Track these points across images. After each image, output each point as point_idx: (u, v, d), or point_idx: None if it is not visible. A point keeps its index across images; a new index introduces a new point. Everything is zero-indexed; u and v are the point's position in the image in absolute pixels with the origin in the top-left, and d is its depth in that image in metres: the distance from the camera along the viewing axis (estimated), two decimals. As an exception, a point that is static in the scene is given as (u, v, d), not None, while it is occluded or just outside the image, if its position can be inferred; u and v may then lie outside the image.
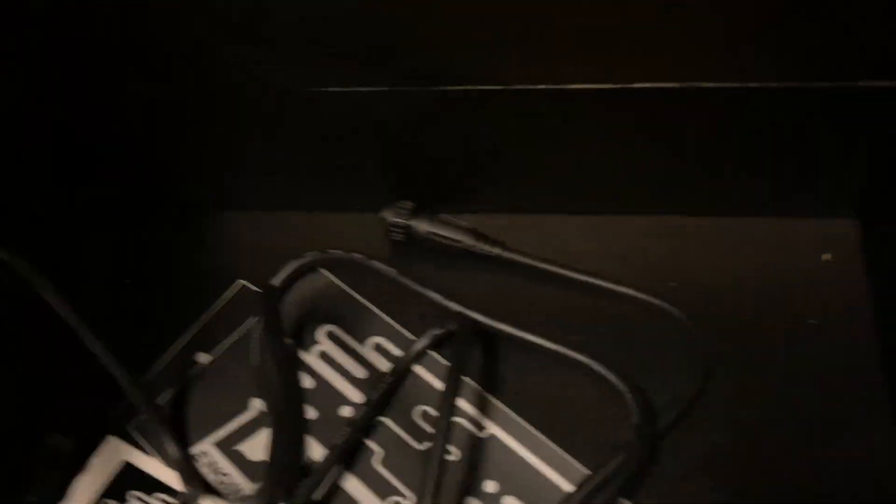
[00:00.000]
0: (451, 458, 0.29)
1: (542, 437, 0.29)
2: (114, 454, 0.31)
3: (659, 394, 0.29)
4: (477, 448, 0.29)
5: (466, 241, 0.33)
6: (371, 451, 0.30)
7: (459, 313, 0.31)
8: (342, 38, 0.27)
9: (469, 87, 0.28)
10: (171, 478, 0.30)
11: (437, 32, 0.27)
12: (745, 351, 0.30)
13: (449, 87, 0.28)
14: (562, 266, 0.32)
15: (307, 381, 0.32)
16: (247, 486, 0.30)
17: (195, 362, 0.33)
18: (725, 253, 0.33)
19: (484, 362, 0.31)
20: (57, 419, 0.32)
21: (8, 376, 0.31)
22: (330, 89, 0.30)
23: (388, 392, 0.30)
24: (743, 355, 0.30)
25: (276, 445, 0.29)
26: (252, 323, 0.33)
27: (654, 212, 0.33)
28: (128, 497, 0.30)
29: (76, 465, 0.30)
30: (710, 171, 0.32)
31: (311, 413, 0.31)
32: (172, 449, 0.30)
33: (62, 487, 0.30)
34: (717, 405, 0.29)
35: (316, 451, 0.30)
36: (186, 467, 0.30)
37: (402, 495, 0.29)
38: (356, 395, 0.31)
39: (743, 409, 0.29)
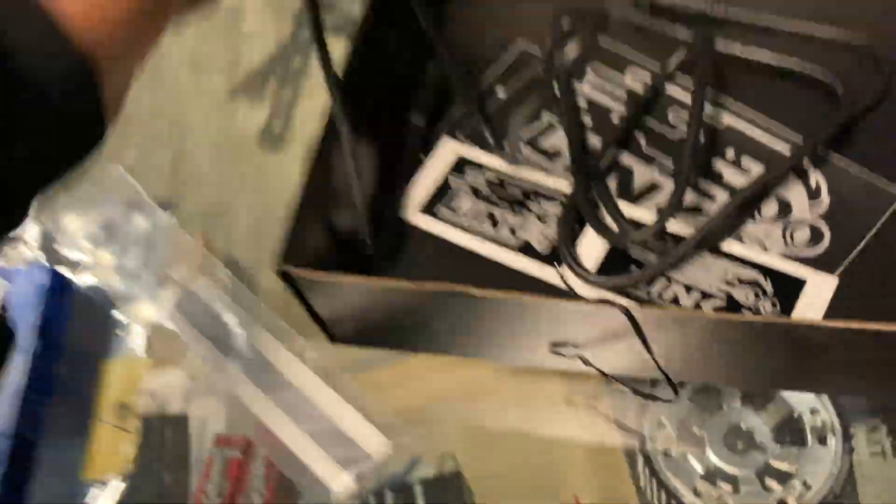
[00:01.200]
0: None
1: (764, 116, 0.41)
2: (451, 148, 0.44)
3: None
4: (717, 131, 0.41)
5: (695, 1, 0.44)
6: (639, 140, 0.42)
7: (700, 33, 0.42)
8: None
9: None
10: (496, 162, 0.43)
11: None
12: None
13: None
14: None
15: (581, 102, 0.44)
16: (551, 167, 0.42)
17: (496, 96, 0.46)
18: None
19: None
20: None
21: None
22: None
23: (648, 99, 0.42)
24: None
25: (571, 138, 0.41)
26: (536, 70, 0.45)
27: None
28: (467, 170, 0.43)
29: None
30: None
31: (586, 120, 0.43)
32: (495, 141, 0.43)
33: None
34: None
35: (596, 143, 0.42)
36: (510, 152, 0.43)
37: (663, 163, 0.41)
38: (621, 108, 0.43)
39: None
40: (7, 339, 0.29)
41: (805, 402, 0.39)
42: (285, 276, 0.34)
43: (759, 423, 0.39)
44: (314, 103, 0.65)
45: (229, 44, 0.74)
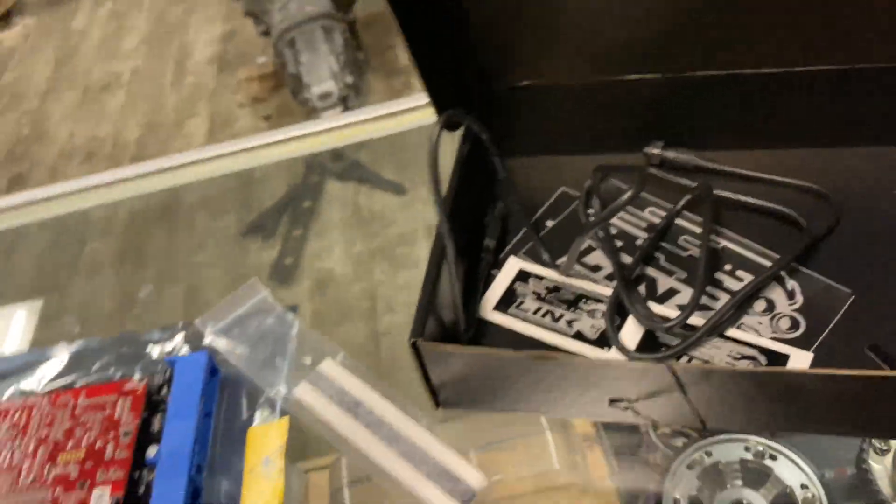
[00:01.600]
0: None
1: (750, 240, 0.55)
2: (515, 263, 0.58)
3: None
4: (718, 252, 0.55)
5: (696, 160, 0.60)
6: (658, 257, 0.56)
7: (702, 184, 0.57)
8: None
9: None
10: (550, 273, 0.56)
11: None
12: None
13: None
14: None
15: (613, 230, 0.58)
16: (594, 277, 0.56)
17: (546, 225, 0.60)
18: None
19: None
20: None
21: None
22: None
23: (663, 228, 0.57)
24: None
25: (611, 257, 0.55)
26: (574, 204, 0.60)
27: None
28: (529, 280, 0.56)
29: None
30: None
31: (618, 243, 0.57)
32: (548, 257, 0.57)
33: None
34: None
35: (627, 259, 0.56)
36: (562, 266, 0.56)
37: (678, 274, 0.55)
38: (643, 235, 0.58)
39: None
40: None
41: (796, 479, 0.51)
42: (414, 347, 0.46)
43: (758, 498, 0.51)
44: (323, 244, 0.75)
45: (242, 186, 0.85)
